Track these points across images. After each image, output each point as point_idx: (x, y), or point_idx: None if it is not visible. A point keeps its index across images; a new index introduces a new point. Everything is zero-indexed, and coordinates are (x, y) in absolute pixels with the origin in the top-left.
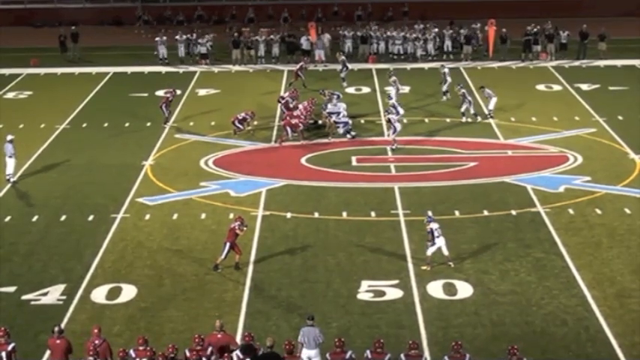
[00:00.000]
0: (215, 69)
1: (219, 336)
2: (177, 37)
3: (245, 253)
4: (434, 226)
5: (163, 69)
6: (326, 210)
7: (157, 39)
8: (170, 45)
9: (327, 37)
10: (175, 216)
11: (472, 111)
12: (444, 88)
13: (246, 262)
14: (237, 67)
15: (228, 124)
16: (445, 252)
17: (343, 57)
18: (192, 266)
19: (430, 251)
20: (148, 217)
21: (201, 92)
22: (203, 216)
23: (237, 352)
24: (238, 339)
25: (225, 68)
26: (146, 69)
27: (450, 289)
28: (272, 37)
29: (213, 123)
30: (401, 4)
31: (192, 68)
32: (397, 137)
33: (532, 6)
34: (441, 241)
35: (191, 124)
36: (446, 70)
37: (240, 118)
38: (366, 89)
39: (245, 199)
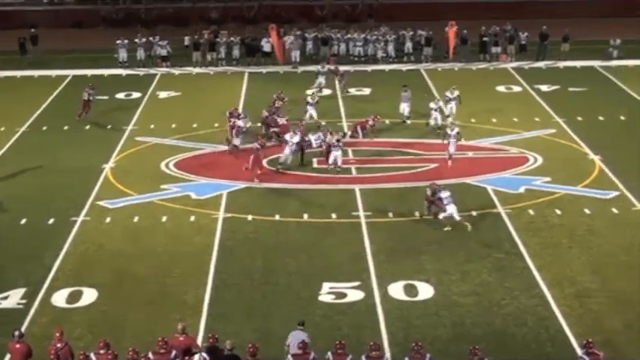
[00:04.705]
0: (175, 71)
1: (181, 338)
2: (137, 40)
3: (206, 256)
4: (443, 194)
5: (124, 72)
6: (287, 212)
7: (118, 42)
8: (131, 48)
9: (290, 39)
10: (136, 219)
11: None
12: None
13: (208, 265)
14: (197, 70)
15: (189, 127)
16: (457, 218)
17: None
18: (153, 269)
19: (442, 215)
20: (108, 220)
21: (162, 95)
22: (164, 219)
23: (203, 353)
24: (200, 341)
25: (186, 71)
26: (106, 72)
27: (410, 290)
28: (232, 39)
29: (174, 125)
30: (367, 5)
31: (152, 71)
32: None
33: (494, 7)
34: (451, 208)
35: (152, 126)
36: (440, 104)
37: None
38: (326, 91)
39: (206, 201)
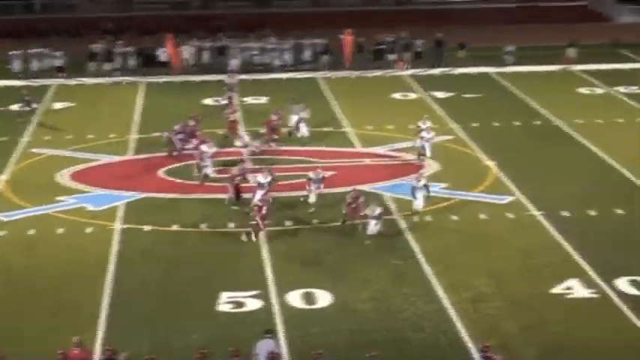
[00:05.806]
0: (71, 82)
1: (76, 351)
2: (31, 50)
3: (103, 267)
4: (377, 211)
5: (18, 82)
6: (185, 222)
7: (12, 53)
8: (25, 59)
9: (189, 49)
10: (32, 231)
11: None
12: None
13: (105, 277)
14: (93, 80)
15: (85, 138)
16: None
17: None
18: (50, 282)
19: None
20: (3, 233)
21: (58, 105)
22: (60, 231)
23: None
24: (98, 354)
25: (81, 81)
26: (0, 83)
27: (309, 298)
28: (128, 49)
29: (69, 136)
30: (262, 15)
31: (47, 82)
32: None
33: (391, 16)
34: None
35: (47, 137)
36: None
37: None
38: (224, 101)
39: (102, 212)
